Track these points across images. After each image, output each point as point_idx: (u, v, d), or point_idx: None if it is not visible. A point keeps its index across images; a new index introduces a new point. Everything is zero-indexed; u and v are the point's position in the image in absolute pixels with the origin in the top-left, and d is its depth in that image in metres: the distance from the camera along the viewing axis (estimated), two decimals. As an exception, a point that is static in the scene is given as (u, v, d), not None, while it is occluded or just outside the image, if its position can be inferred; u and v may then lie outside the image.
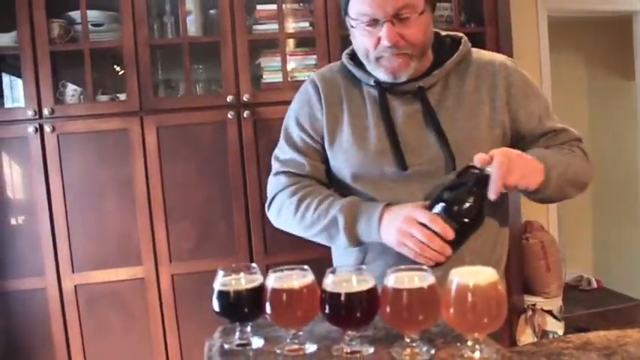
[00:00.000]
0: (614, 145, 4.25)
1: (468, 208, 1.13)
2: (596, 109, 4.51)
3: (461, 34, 1.38)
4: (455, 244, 1.13)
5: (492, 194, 1.12)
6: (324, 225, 1.29)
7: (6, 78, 2.45)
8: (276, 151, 1.45)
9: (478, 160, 1.14)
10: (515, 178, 1.14)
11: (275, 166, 1.43)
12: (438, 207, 1.15)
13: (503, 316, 0.87)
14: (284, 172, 1.40)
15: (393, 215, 1.20)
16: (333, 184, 1.40)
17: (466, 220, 1.13)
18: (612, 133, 4.30)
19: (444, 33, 1.40)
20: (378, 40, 1.23)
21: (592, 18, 3.92)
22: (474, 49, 1.39)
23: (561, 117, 1.41)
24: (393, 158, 1.29)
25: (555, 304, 2.92)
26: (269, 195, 1.43)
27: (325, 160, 1.39)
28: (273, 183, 1.42)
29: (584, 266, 4.45)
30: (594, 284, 4.28)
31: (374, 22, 1.23)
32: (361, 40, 1.27)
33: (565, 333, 2.80)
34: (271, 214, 1.43)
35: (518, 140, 1.36)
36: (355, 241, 1.27)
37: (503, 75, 1.33)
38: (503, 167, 1.12)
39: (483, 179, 1.13)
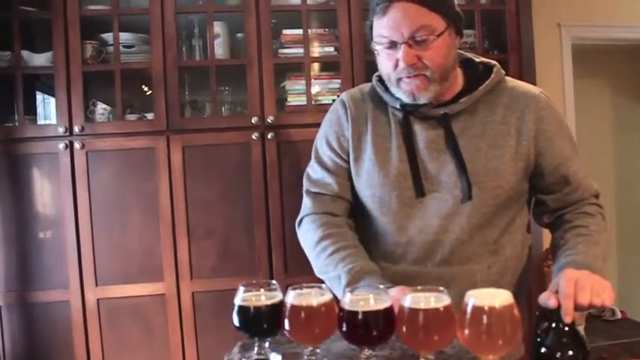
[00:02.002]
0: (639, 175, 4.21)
1: (570, 349, 1.02)
2: (622, 138, 4.47)
3: (494, 62, 1.38)
4: None
5: (566, 316, 1.00)
6: (329, 277, 1.31)
7: (39, 96, 2.54)
8: (308, 169, 1.47)
9: (545, 299, 1.04)
10: (587, 296, 1.05)
11: (305, 184, 1.46)
12: None
13: (518, 338, 0.87)
14: (313, 193, 1.43)
15: None
16: (354, 205, 1.41)
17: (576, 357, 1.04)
18: (638, 163, 4.25)
19: (478, 59, 1.39)
20: (397, 62, 1.25)
21: (617, 46, 3.90)
22: (510, 79, 1.39)
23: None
24: (412, 183, 1.30)
25: (577, 333, 2.87)
26: (300, 214, 1.46)
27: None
28: (304, 203, 1.45)
29: (608, 297, 4.36)
30: (618, 315, 4.18)
31: (392, 45, 1.25)
32: (383, 62, 1.30)
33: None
34: (300, 235, 1.45)
35: (536, 174, 1.35)
36: None
37: (534, 109, 1.32)
38: (570, 287, 1.04)
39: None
